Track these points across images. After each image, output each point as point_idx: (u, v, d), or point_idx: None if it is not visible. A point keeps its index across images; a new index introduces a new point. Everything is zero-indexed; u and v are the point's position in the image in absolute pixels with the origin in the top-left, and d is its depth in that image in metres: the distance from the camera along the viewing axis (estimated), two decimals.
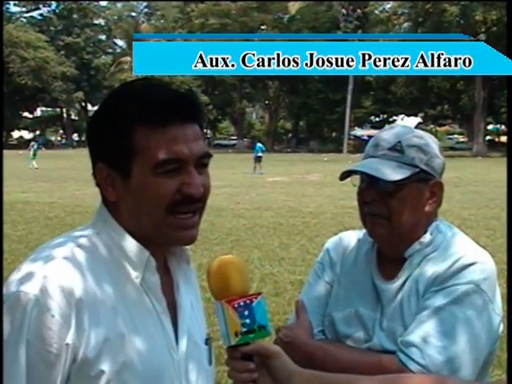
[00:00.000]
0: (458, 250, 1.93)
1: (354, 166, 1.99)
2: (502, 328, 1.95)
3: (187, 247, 1.59)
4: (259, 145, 38.60)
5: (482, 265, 1.90)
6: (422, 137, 1.98)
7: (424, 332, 1.83)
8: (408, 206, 1.94)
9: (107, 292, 1.41)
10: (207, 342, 1.55)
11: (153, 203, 1.41)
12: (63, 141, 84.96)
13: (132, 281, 1.45)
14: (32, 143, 44.76)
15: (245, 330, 1.31)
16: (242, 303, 1.32)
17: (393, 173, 1.91)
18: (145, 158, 1.40)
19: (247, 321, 1.32)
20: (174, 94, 1.45)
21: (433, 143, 1.99)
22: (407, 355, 1.82)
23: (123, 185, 1.43)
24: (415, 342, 1.83)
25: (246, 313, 1.32)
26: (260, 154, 36.64)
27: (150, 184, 1.40)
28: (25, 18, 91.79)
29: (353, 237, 2.15)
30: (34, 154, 41.12)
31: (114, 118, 1.44)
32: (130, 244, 1.46)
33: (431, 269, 1.92)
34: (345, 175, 2.02)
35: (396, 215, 1.93)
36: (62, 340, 1.33)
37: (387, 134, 2.00)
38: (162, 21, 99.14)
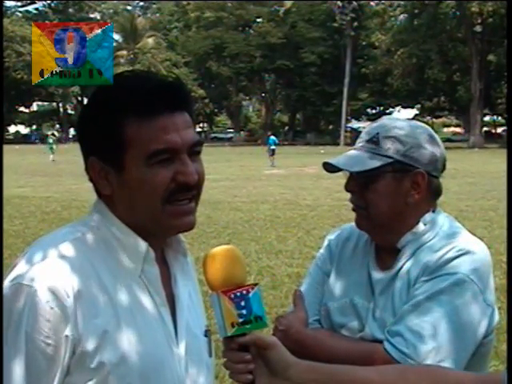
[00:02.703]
0: (451, 240, 1.93)
1: (331, 158, 2.01)
2: (497, 319, 1.94)
3: (184, 240, 1.59)
4: (273, 137, 38.12)
5: (474, 255, 1.89)
6: (403, 127, 1.96)
7: (410, 321, 1.83)
8: (384, 197, 1.93)
9: (106, 284, 1.41)
10: (206, 333, 1.55)
11: (149, 194, 1.41)
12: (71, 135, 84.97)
13: (131, 273, 1.46)
14: (49, 137, 45.60)
15: (241, 320, 1.31)
16: (238, 294, 1.31)
17: (360, 164, 1.92)
18: (137, 149, 1.40)
19: (243, 311, 1.31)
20: (162, 83, 1.45)
21: (419, 134, 1.96)
22: (392, 344, 1.82)
23: (117, 178, 1.43)
24: (400, 330, 1.82)
25: (243, 303, 1.31)
26: (273, 147, 36.29)
27: (145, 175, 1.40)
28: (20, 12, 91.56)
29: (354, 228, 2.15)
30: (51, 148, 42.11)
31: (103, 112, 1.43)
32: (128, 236, 1.46)
33: (423, 259, 1.92)
34: (324, 167, 2.03)
35: (372, 206, 1.94)
36: (61, 332, 1.33)
37: (371, 126, 2.02)
38: (157, 14, 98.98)
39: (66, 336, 1.34)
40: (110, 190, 1.46)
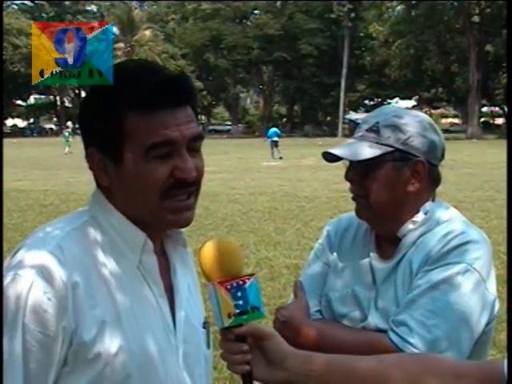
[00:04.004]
0: (452, 229, 1.93)
1: (330, 148, 2.01)
2: (497, 308, 1.95)
3: (183, 230, 1.59)
4: (274, 129, 37.81)
5: (476, 244, 1.90)
6: (402, 116, 1.97)
7: (414, 311, 1.84)
8: (384, 186, 1.94)
9: (104, 275, 1.42)
10: (205, 325, 1.55)
11: (146, 188, 1.41)
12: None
13: (129, 263, 1.46)
14: (65, 130, 45.68)
15: (238, 311, 1.31)
16: (234, 284, 1.31)
17: (360, 153, 1.92)
18: (136, 142, 1.40)
19: (240, 302, 1.31)
20: (166, 77, 1.42)
21: (416, 122, 1.96)
22: (397, 334, 1.83)
23: (115, 170, 1.43)
24: (405, 320, 1.83)
25: (239, 294, 1.31)
26: (276, 139, 35.98)
27: (143, 169, 1.40)
28: (16, 4, 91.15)
29: (352, 218, 2.14)
30: (67, 141, 42.00)
31: (104, 103, 1.43)
32: (127, 227, 1.46)
33: (425, 248, 1.92)
34: (324, 157, 2.03)
35: (372, 195, 1.95)
36: (59, 323, 1.33)
37: (370, 115, 2.02)
38: (154, 6, 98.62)
39: (64, 327, 1.34)
40: (108, 181, 1.46)
